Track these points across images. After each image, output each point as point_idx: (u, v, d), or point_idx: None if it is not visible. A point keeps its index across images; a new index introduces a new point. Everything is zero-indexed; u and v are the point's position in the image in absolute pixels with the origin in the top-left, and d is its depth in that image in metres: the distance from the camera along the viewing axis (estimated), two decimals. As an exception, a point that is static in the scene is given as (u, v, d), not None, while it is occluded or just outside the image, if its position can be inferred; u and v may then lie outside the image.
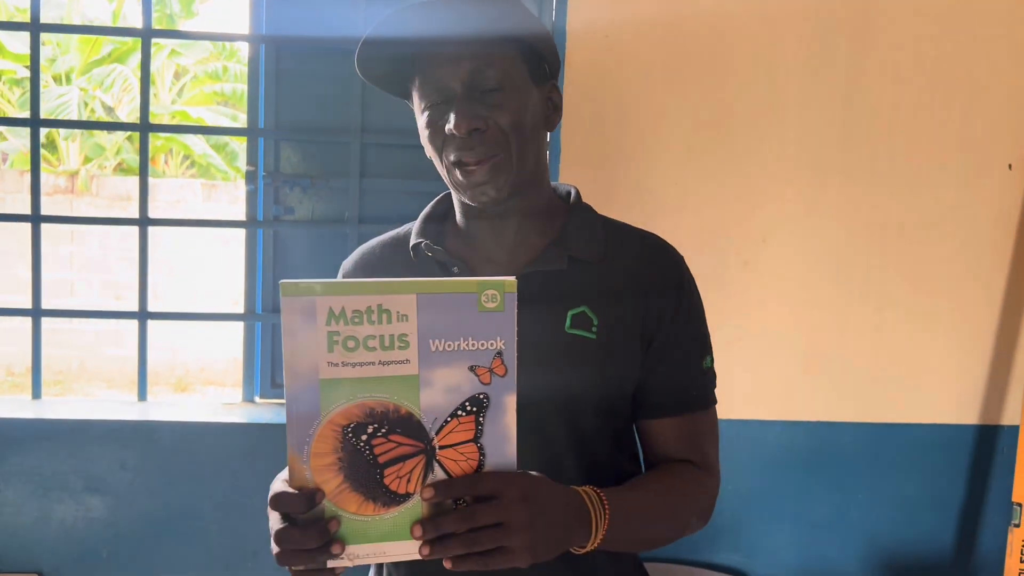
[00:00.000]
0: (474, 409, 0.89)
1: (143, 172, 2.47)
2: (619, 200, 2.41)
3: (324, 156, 2.55)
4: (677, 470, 1.16)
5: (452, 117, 1.06)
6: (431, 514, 0.90)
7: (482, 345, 0.88)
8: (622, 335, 1.13)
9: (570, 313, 1.12)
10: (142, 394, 2.55)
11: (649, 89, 2.43)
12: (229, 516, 2.38)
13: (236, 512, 2.38)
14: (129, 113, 10.33)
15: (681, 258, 1.21)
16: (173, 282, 8.42)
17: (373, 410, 0.88)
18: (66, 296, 8.48)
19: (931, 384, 2.57)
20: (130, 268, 7.75)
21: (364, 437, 0.88)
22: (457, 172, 1.09)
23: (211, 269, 8.41)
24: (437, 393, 0.88)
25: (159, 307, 8.27)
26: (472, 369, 0.89)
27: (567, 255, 1.14)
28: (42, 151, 9.81)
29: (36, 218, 2.45)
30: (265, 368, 2.57)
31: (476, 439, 0.90)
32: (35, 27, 2.40)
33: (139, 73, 10.43)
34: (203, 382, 8.58)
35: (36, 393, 2.50)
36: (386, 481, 0.89)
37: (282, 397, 2.61)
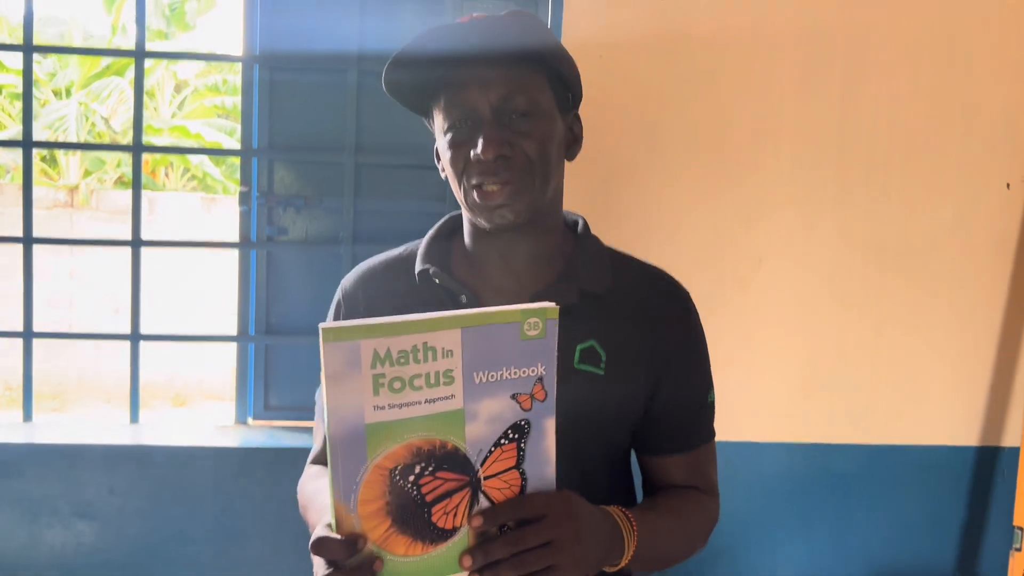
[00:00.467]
0: (516, 436, 0.89)
1: (136, 192, 2.46)
2: (613, 219, 2.39)
3: (318, 176, 2.53)
4: (685, 494, 1.17)
5: (480, 142, 1.03)
6: (478, 543, 0.89)
7: (524, 372, 0.88)
8: (629, 371, 1.12)
9: (579, 348, 1.10)
10: (134, 416, 2.53)
11: (643, 107, 2.41)
12: (221, 542, 2.35)
13: (228, 538, 2.35)
14: (127, 126, 10.34)
15: (687, 294, 1.20)
16: (169, 297, 8.40)
17: (420, 449, 0.86)
18: (65, 309, 8.44)
19: (931, 405, 2.54)
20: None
21: (411, 478, 0.86)
22: (475, 194, 1.06)
23: (208, 282, 8.37)
24: (481, 424, 0.87)
25: (154, 323, 8.25)
26: (514, 397, 0.88)
27: (577, 288, 1.12)
28: (43, 165, 9.84)
29: (28, 240, 2.43)
30: (259, 389, 2.55)
31: (518, 465, 0.90)
32: (28, 48, 2.39)
33: (131, 82, 10.45)
34: (202, 396, 8.53)
35: (27, 415, 2.48)
36: (434, 519, 0.87)
37: (275, 418, 2.61)
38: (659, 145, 2.42)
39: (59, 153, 9.98)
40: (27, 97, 2.40)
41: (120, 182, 10.60)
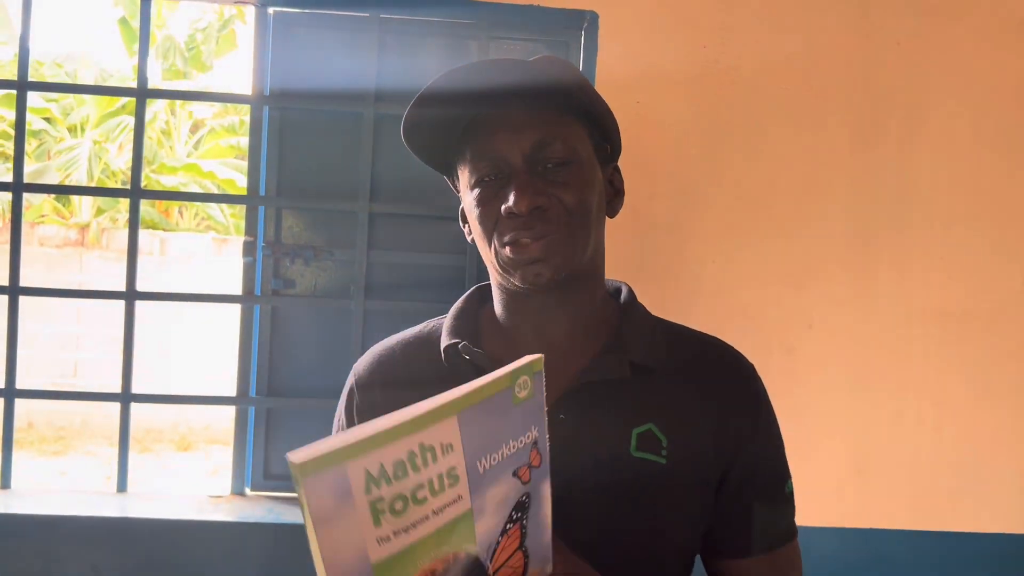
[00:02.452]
0: (519, 516, 0.78)
1: (132, 240, 2.28)
2: (649, 280, 2.20)
3: (329, 225, 2.36)
4: None
5: (512, 194, 0.93)
6: None
7: (520, 443, 0.77)
8: (695, 460, 0.98)
9: (635, 432, 0.97)
10: (121, 484, 2.31)
11: (683, 158, 2.23)
12: (210, 629, 2.13)
13: (218, 625, 2.13)
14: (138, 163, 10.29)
15: (753, 368, 1.07)
16: (172, 344, 8.24)
17: (434, 572, 0.72)
18: (73, 351, 8.30)
19: (998, 488, 2.31)
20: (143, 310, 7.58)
21: None
22: (508, 250, 0.95)
23: (214, 328, 8.20)
24: (489, 517, 0.76)
25: (155, 371, 8.09)
26: (515, 473, 0.77)
27: (628, 361, 0.98)
28: (55, 203, 9.77)
29: (14, 290, 2.25)
30: (258, 456, 2.34)
31: (521, 544, 0.79)
32: (22, 85, 2.23)
33: (153, 125, 10.41)
34: (206, 440, 8.33)
35: (5, 482, 2.27)
36: None
37: (276, 489, 2.39)
38: (700, 200, 2.23)
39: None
40: (19, 137, 2.24)
41: (133, 221, 10.51)
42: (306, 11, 2.30)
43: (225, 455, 7.66)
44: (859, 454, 2.28)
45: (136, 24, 9.74)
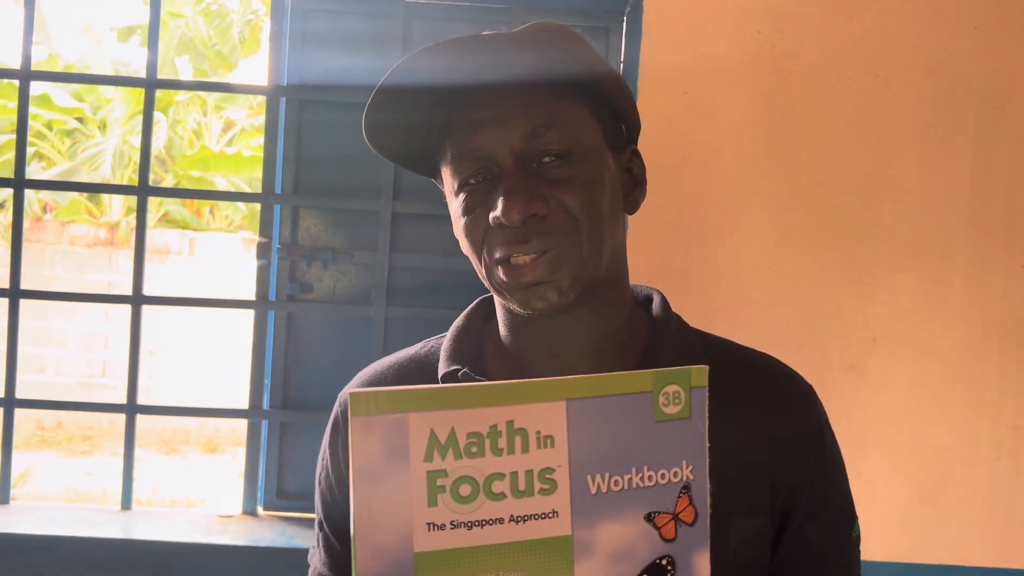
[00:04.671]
0: None
1: (139, 238, 2.14)
2: (696, 287, 2.02)
3: (349, 225, 2.22)
4: None
5: (500, 202, 0.76)
6: None
7: (662, 477, 0.60)
8: (747, 504, 0.83)
9: None
10: (126, 501, 2.17)
11: (735, 155, 2.04)
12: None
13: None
14: (176, 162, 10.27)
15: (812, 390, 0.91)
16: (193, 345, 8.20)
17: None
18: (101, 351, 8.28)
19: (1083, 522, 2.09)
20: (167, 315, 7.53)
21: None
22: (501, 271, 0.79)
23: (235, 327, 8.14)
24: (598, 564, 0.59)
25: (174, 369, 8.03)
26: (650, 519, 0.60)
27: None
28: (85, 202, 9.78)
29: (15, 293, 2.11)
30: (271, 474, 2.19)
31: None
32: (25, 76, 2.10)
33: (184, 125, 10.40)
34: (233, 443, 8.27)
35: (3, 498, 2.13)
36: None
37: (289, 509, 2.23)
38: (753, 200, 2.05)
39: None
40: (22, 130, 2.10)
41: (164, 220, 10.50)
42: (326, -5, 2.15)
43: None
44: (928, 483, 2.08)
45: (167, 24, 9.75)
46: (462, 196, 0.81)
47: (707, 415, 0.61)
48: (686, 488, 0.61)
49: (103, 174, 9.23)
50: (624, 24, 2.11)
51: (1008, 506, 2.08)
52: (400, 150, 0.86)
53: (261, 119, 11.21)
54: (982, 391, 2.08)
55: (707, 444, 0.62)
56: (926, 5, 2.06)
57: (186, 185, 9.60)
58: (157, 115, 9.58)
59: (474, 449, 0.56)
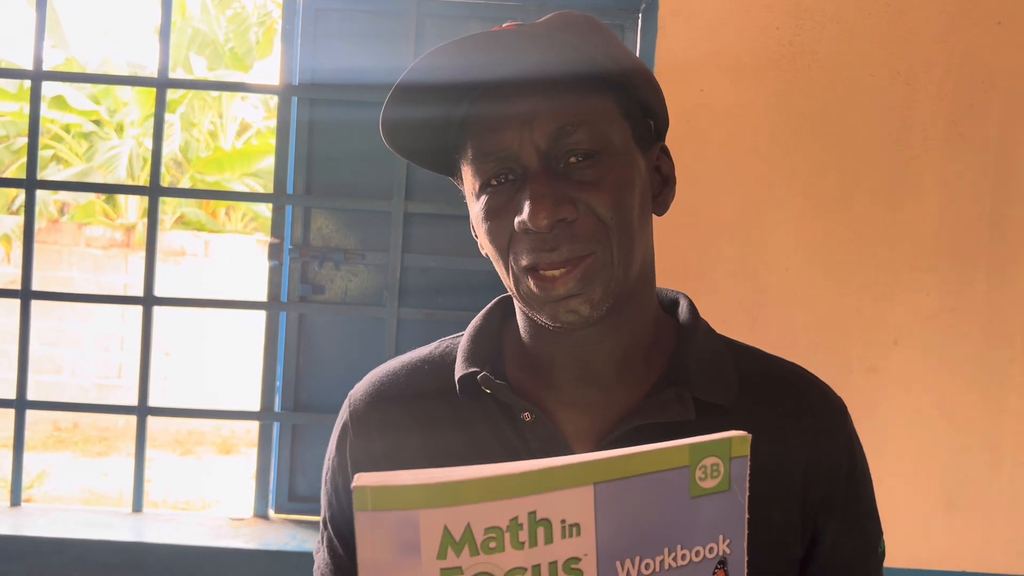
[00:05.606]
0: None
1: (150, 244, 2.12)
2: (714, 289, 1.98)
3: (361, 226, 2.19)
4: None
5: (527, 206, 0.73)
6: None
7: (696, 554, 0.56)
8: (778, 518, 0.80)
9: None
10: (137, 503, 2.16)
11: (753, 153, 2.01)
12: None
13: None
14: (190, 164, 10.31)
15: (843, 404, 0.88)
16: (208, 345, 8.21)
17: None
18: (117, 352, 8.31)
19: (1111, 529, 2.04)
20: (183, 316, 7.55)
21: None
22: (530, 281, 0.76)
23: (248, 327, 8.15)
24: None
25: (187, 372, 8.05)
26: None
27: (691, 398, 0.79)
28: (102, 204, 9.83)
29: (26, 294, 2.10)
30: (283, 477, 2.17)
31: None
32: (37, 76, 2.09)
33: (200, 127, 10.43)
34: (247, 444, 8.28)
35: (15, 499, 2.13)
36: None
37: (301, 512, 2.21)
38: (771, 199, 2.01)
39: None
40: (33, 131, 2.09)
41: (180, 222, 10.54)
42: (338, -6, 2.13)
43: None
44: (950, 488, 2.03)
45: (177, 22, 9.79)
46: (484, 198, 0.78)
47: (748, 484, 0.58)
48: (722, 563, 0.58)
49: (118, 176, 9.28)
50: (640, 20, 2.08)
51: (1033, 512, 2.04)
52: (418, 147, 0.83)
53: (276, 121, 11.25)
54: (1005, 394, 2.03)
55: (746, 515, 0.59)
56: (948, 1, 2.01)
57: (201, 187, 9.63)
58: (171, 117, 9.62)
59: (492, 544, 0.51)
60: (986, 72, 2.01)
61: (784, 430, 0.82)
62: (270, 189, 10.46)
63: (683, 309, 0.88)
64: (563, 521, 0.52)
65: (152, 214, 2.13)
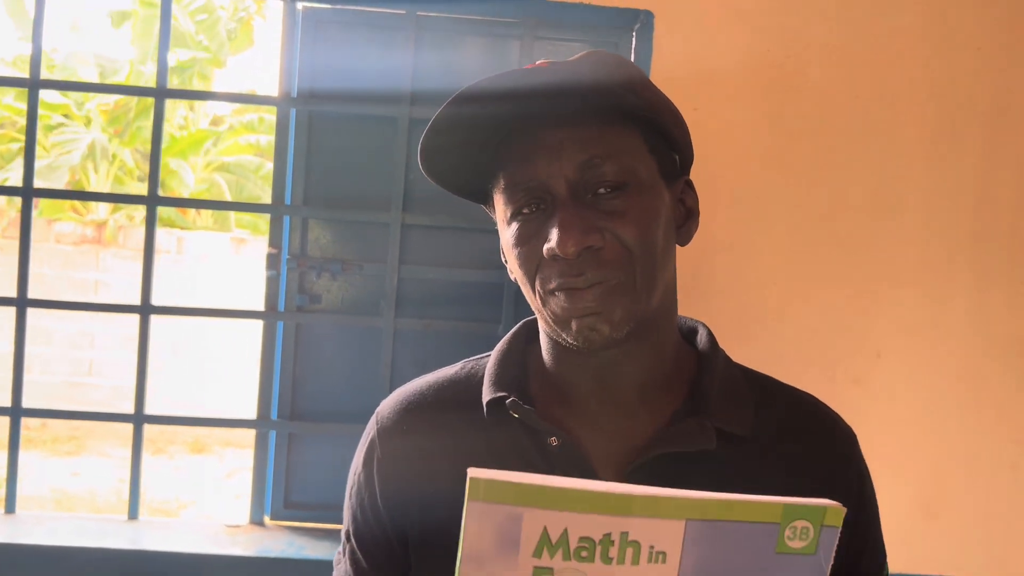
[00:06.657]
0: None
1: (147, 253, 2.13)
2: (706, 302, 2.03)
3: (359, 237, 2.20)
4: None
5: (555, 234, 0.76)
6: None
7: None
8: None
9: None
10: (133, 511, 2.16)
11: (744, 170, 2.06)
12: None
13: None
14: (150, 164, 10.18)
15: (852, 433, 0.92)
16: (199, 349, 8.14)
17: None
18: (88, 349, 8.21)
19: (1080, 534, 2.12)
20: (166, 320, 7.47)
21: None
22: (554, 301, 0.79)
23: (239, 333, 8.08)
24: None
25: (178, 371, 7.97)
26: None
27: (712, 427, 0.82)
28: (70, 200, 9.66)
29: (23, 301, 2.10)
30: (278, 484, 2.18)
31: None
32: (34, 84, 2.08)
33: (171, 121, 10.31)
34: (221, 443, 8.21)
35: (10, 507, 2.12)
36: None
37: (297, 519, 2.23)
38: (762, 216, 2.07)
39: (88, 186, 9.81)
40: (30, 139, 2.09)
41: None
42: (337, 7, 2.14)
43: (239, 458, 7.52)
44: (930, 496, 2.11)
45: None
46: (515, 225, 0.81)
47: (833, 555, 0.60)
48: None
49: (71, 161, 9.13)
50: (634, 40, 2.12)
51: (1008, 520, 2.11)
52: (453, 175, 0.86)
53: (248, 116, 11.15)
54: (984, 405, 2.11)
55: None
56: (932, 26, 2.08)
57: (166, 179, 9.53)
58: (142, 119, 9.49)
59: (584, 553, 0.55)
60: (966, 95, 2.09)
61: (808, 462, 0.86)
62: (241, 184, 10.35)
63: (702, 337, 0.92)
64: (652, 547, 0.55)
65: (150, 225, 2.14)
